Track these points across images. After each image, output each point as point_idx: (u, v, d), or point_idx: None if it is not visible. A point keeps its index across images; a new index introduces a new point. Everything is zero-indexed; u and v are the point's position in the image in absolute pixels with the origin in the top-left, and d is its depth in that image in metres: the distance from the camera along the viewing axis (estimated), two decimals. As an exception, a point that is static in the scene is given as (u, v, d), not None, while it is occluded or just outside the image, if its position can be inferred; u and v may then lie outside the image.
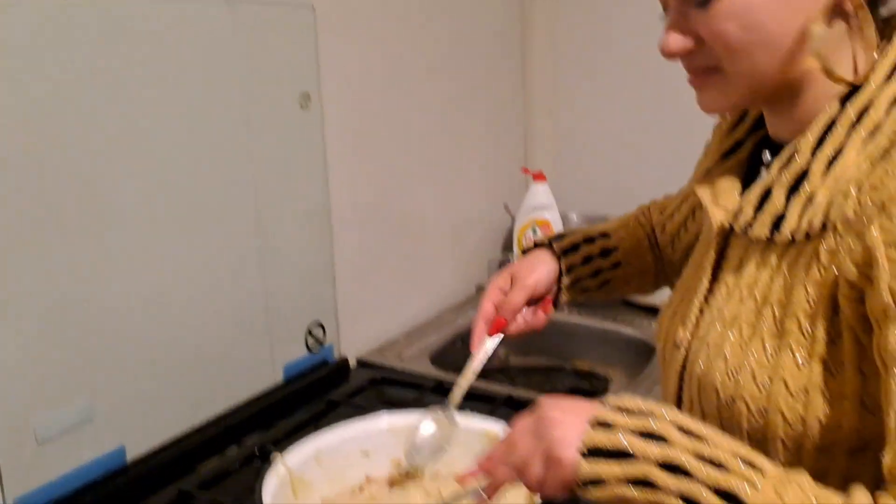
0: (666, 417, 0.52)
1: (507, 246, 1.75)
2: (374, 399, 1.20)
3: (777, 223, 0.57)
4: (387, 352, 1.38)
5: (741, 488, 0.48)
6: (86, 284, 0.89)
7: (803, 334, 0.55)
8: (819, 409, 0.54)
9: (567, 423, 0.54)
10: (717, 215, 0.63)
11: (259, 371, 1.14)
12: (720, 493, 0.48)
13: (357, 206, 1.32)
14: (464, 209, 1.64)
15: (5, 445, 0.81)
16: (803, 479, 0.48)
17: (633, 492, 0.50)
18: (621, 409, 0.53)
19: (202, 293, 1.04)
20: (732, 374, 0.58)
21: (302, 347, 1.22)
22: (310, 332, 1.23)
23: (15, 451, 0.82)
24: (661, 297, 1.43)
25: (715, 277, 0.64)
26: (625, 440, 0.51)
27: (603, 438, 0.52)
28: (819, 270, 0.54)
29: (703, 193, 0.66)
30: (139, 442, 0.96)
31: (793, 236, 0.56)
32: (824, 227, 0.54)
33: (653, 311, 1.47)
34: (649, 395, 1.15)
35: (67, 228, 0.86)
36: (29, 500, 0.84)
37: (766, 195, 0.58)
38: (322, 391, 1.20)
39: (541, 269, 0.82)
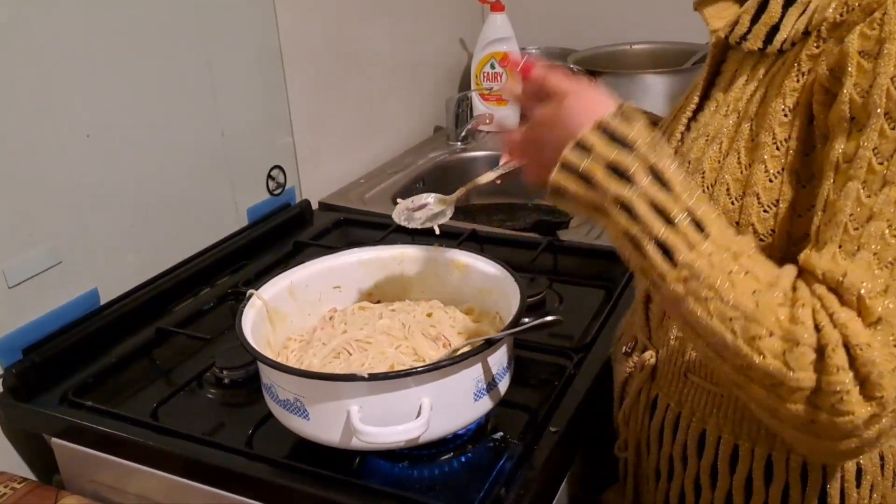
0: (645, 156, 0.53)
1: (465, 84, 1.72)
2: (339, 240, 1.23)
3: (771, 35, 0.57)
4: (348, 193, 1.38)
5: (679, 246, 0.51)
6: (33, 129, 0.86)
7: (777, 146, 0.56)
8: (788, 221, 0.56)
9: (563, 127, 0.56)
10: (715, 24, 0.62)
11: (223, 215, 1.14)
12: (660, 244, 0.52)
13: (309, 48, 1.27)
14: (418, 46, 1.58)
15: (-23, 291, 0.82)
16: (744, 246, 0.51)
17: (593, 214, 0.55)
18: (609, 135, 0.54)
19: (158, 138, 1.01)
20: (708, 188, 0.59)
21: (264, 191, 1.21)
22: (270, 176, 1.22)
23: (-13, 297, 0.83)
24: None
25: (707, 95, 0.65)
26: (592, 171, 0.54)
27: (576, 160, 0.54)
28: (797, 77, 0.54)
29: (704, 9, 0.64)
30: (112, 285, 0.97)
31: (781, 46, 0.56)
32: (807, 32, 0.54)
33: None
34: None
35: (8, 70, 0.82)
36: (7, 343, 0.86)
37: (763, 6, 0.58)
38: (287, 234, 1.21)
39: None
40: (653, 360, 0.70)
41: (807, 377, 0.47)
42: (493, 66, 1.56)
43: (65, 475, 0.86)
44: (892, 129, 0.48)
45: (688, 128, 0.65)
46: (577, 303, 0.99)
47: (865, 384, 0.46)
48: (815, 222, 0.51)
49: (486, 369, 0.69)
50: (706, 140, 0.61)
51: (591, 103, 0.57)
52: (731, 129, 0.59)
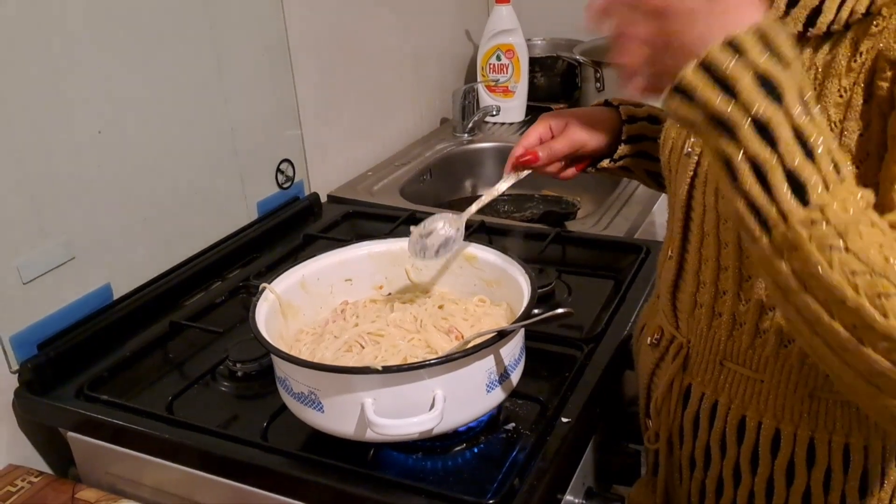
0: (801, 77, 0.47)
1: (471, 76, 1.72)
2: (348, 232, 1.23)
3: (811, 18, 0.55)
4: (356, 186, 1.39)
5: (815, 183, 0.45)
6: (45, 127, 0.86)
7: (831, 127, 0.54)
8: None
9: (710, 23, 0.48)
10: None
11: (234, 209, 1.15)
12: (792, 177, 0.46)
13: (316, 41, 1.27)
14: (424, 38, 1.58)
15: (-8, 287, 0.83)
16: (870, 196, 0.47)
17: (711, 130, 0.48)
18: (765, 43, 0.47)
19: (169, 133, 1.02)
20: None
21: (273, 185, 1.22)
22: (279, 170, 1.22)
23: (2, 292, 0.84)
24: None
25: None
26: (738, 76, 0.46)
27: (723, 59, 0.47)
28: (857, 56, 0.53)
29: None
30: (124, 280, 0.98)
31: (829, 29, 0.55)
32: (867, 13, 0.52)
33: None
34: (615, 220, 1.20)
35: (21, 69, 0.82)
36: (22, 338, 0.86)
37: None
38: (296, 227, 1.22)
39: (599, 131, 0.79)
40: (684, 350, 0.70)
41: None
42: (498, 58, 1.56)
43: (81, 468, 0.87)
44: None
45: None
46: (585, 294, 1.00)
47: None
48: (886, 195, 0.48)
49: (499, 361, 0.69)
50: None
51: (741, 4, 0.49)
52: None
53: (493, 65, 1.58)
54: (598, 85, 1.55)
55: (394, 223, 1.17)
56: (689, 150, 0.65)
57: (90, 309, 0.93)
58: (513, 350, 0.72)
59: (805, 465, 0.63)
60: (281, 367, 0.70)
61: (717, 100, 0.47)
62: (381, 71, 1.47)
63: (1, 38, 0.80)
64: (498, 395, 0.71)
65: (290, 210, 1.23)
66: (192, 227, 1.08)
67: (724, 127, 0.47)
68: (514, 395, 0.75)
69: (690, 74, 0.47)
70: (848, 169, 0.47)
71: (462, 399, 0.68)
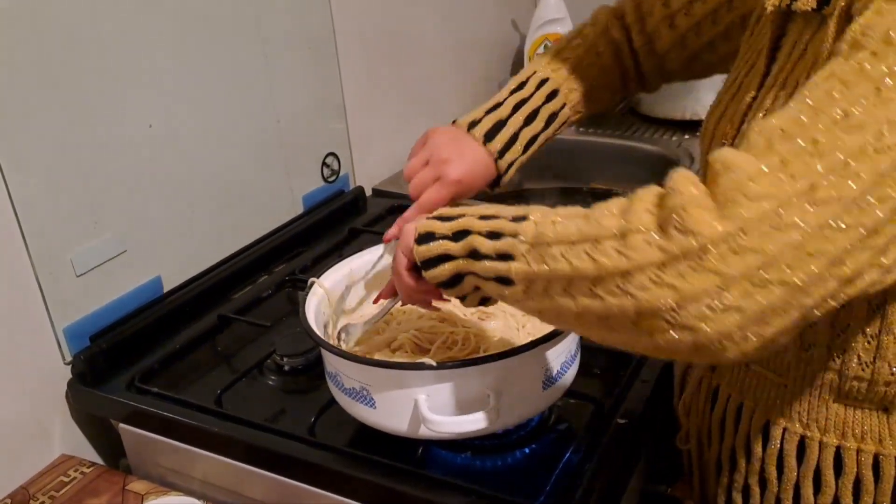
0: (472, 213, 0.57)
1: (518, 66, 1.69)
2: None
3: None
4: (401, 179, 1.36)
5: (513, 246, 0.52)
6: (99, 121, 0.87)
7: None
8: None
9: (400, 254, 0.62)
10: None
11: (280, 202, 1.15)
12: (515, 218, 0.53)
13: (362, 32, 1.26)
14: (469, 28, 1.56)
15: (47, 279, 0.83)
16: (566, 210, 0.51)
17: (459, 282, 0.57)
18: (440, 217, 0.59)
19: (217, 127, 1.02)
20: None
21: (318, 178, 1.21)
22: (324, 163, 1.22)
23: (56, 285, 0.84)
24: (683, 109, 1.41)
25: (768, 72, 0.61)
26: (442, 247, 0.57)
27: (424, 251, 0.58)
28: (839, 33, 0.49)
29: None
30: (174, 273, 0.98)
31: (849, 7, 0.51)
32: None
33: (671, 123, 1.45)
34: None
35: (75, 64, 0.83)
36: (76, 330, 0.87)
37: None
38: (341, 221, 1.21)
39: (477, 171, 0.70)
40: None
41: (646, 218, 0.44)
42: (546, 48, 1.53)
43: (131, 459, 0.88)
44: (872, 67, 0.44)
45: (750, 107, 0.62)
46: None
47: (720, 199, 0.42)
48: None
49: (556, 358, 0.67)
50: (762, 116, 0.58)
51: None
52: (782, 101, 0.56)
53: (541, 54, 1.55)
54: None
55: (440, 217, 1.16)
56: (725, 142, 0.63)
57: (141, 301, 0.94)
58: (569, 346, 0.69)
59: (833, 474, 0.60)
60: (332, 363, 0.69)
61: (442, 270, 0.58)
62: (426, 62, 1.45)
63: (54, 34, 0.81)
64: (554, 393, 0.69)
65: (336, 204, 1.22)
66: (240, 220, 1.08)
67: (459, 276, 0.57)
68: (566, 394, 0.72)
69: (425, 273, 0.59)
70: (535, 209, 0.53)
71: (518, 396, 0.66)
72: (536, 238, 0.50)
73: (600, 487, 0.67)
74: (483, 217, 0.56)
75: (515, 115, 0.73)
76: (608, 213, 0.47)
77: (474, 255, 0.55)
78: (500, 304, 0.79)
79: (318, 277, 0.79)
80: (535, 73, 0.76)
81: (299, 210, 1.18)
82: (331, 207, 1.21)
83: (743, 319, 0.42)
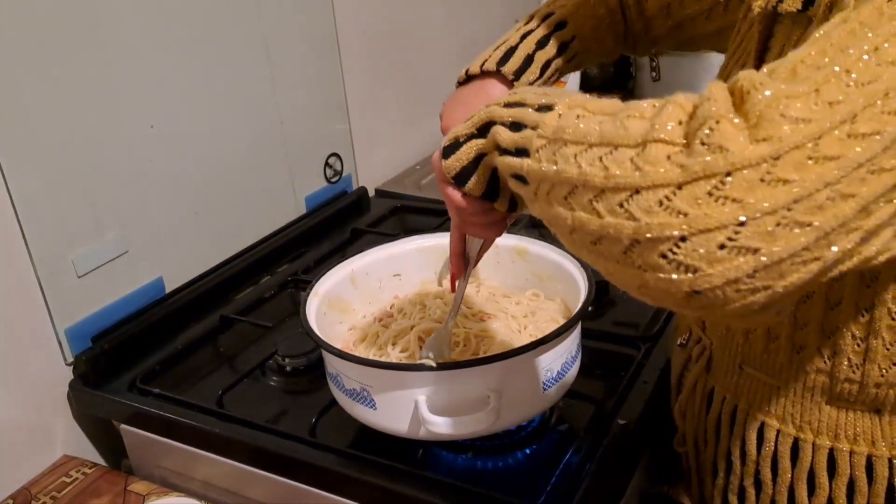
0: (496, 102, 0.51)
1: (520, 68, 1.69)
2: (396, 227, 1.22)
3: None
4: (404, 180, 1.37)
5: (530, 140, 0.46)
6: (100, 122, 0.87)
7: None
8: None
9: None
10: None
11: (282, 203, 1.15)
12: (540, 107, 0.47)
13: (365, 33, 1.26)
14: (472, 29, 1.56)
15: (48, 280, 0.84)
16: (599, 103, 0.45)
17: (482, 141, 0.51)
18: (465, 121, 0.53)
19: (220, 128, 1.02)
20: None
21: (321, 179, 1.21)
22: (327, 164, 1.22)
23: (58, 286, 0.85)
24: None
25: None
26: (470, 151, 0.51)
27: (454, 164, 0.52)
28: None
29: None
30: (175, 274, 0.98)
31: (830, 7, 0.50)
32: None
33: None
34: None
35: (77, 65, 0.83)
36: (77, 331, 0.87)
37: None
38: (344, 221, 1.21)
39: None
40: (707, 352, 0.67)
41: (674, 127, 0.38)
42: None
43: (133, 461, 0.88)
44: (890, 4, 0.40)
45: None
46: (641, 290, 0.96)
47: (752, 118, 0.36)
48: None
49: (557, 358, 0.67)
50: None
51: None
52: None
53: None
54: (654, 74, 1.50)
55: (442, 217, 1.16)
56: None
57: (143, 302, 0.94)
58: (570, 347, 0.69)
59: (826, 475, 0.60)
60: (332, 363, 0.69)
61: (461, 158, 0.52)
62: (429, 63, 1.45)
63: (54, 34, 0.81)
64: (555, 394, 0.69)
65: (338, 204, 1.22)
66: (242, 221, 1.08)
67: (484, 128, 0.51)
68: (567, 395, 0.72)
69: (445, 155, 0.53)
70: (562, 96, 0.47)
71: (519, 397, 0.66)
72: (555, 133, 0.44)
73: (601, 488, 0.67)
74: (508, 105, 0.49)
75: (526, 41, 0.72)
76: (638, 114, 0.40)
77: (498, 149, 0.49)
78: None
79: (318, 279, 0.79)
80: (538, 10, 0.76)
81: (302, 211, 1.18)
82: (333, 208, 1.21)
83: (757, 264, 0.36)
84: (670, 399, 0.76)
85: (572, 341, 0.70)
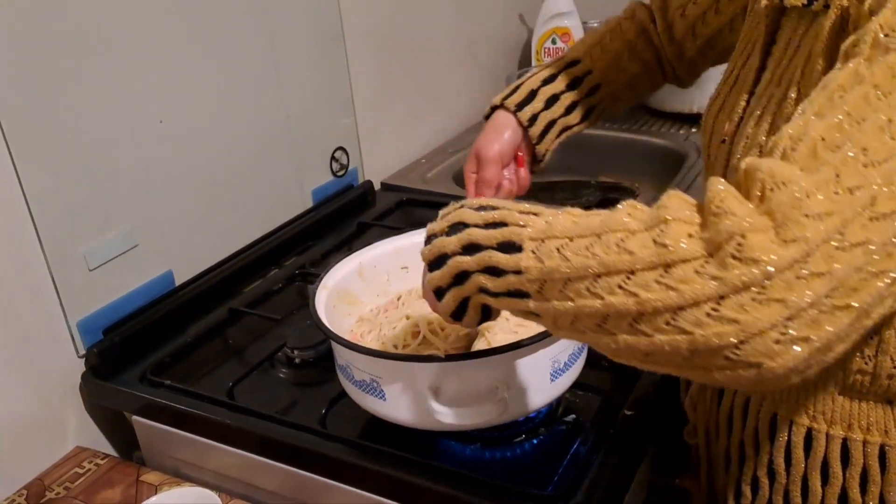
0: (469, 204, 0.53)
1: (525, 61, 1.69)
2: (402, 220, 1.23)
3: None
4: (409, 174, 1.38)
5: (514, 234, 0.47)
6: (110, 117, 0.87)
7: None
8: None
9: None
10: None
11: (289, 197, 1.15)
12: (502, 247, 0.48)
13: (370, 28, 1.26)
14: (477, 23, 1.56)
15: (60, 273, 0.84)
16: (575, 210, 0.48)
17: (460, 290, 0.52)
18: (442, 216, 0.54)
19: (227, 122, 1.03)
20: None
21: (327, 173, 1.22)
22: (333, 157, 1.23)
23: (69, 279, 0.86)
24: (691, 103, 1.41)
25: (764, 66, 0.61)
26: (438, 244, 0.52)
27: (427, 252, 0.54)
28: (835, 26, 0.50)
29: None
30: (185, 267, 0.99)
31: (827, 1, 0.51)
32: None
33: (679, 117, 1.45)
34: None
35: (86, 61, 0.84)
36: (89, 323, 0.88)
37: None
38: (350, 215, 1.22)
39: (502, 135, 0.76)
40: None
41: (691, 244, 0.40)
42: (554, 42, 1.53)
43: (145, 452, 0.89)
44: None
45: (748, 103, 0.62)
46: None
47: (777, 219, 0.38)
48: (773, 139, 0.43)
49: (563, 349, 0.68)
50: (760, 113, 0.58)
51: None
52: (778, 98, 0.56)
53: (549, 49, 1.55)
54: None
55: (448, 211, 1.16)
56: (725, 138, 0.63)
57: (153, 295, 0.95)
58: (576, 339, 0.70)
59: (840, 465, 0.61)
60: (342, 355, 0.70)
61: (441, 273, 0.52)
62: (434, 57, 1.46)
63: (63, 30, 0.82)
64: (563, 384, 0.70)
65: (345, 198, 1.23)
66: (250, 215, 1.08)
67: (459, 276, 0.51)
68: (574, 385, 0.73)
69: (428, 273, 0.54)
70: (545, 208, 0.49)
71: (527, 388, 0.66)
72: (545, 274, 0.45)
73: (608, 479, 0.68)
74: (465, 249, 0.51)
75: (534, 77, 0.80)
76: (636, 238, 0.42)
77: (486, 292, 0.50)
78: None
79: (327, 272, 0.80)
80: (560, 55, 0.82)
81: (308, 204, 1.19)
82: (340, 202, 1.22)
83: (810, 351, 0.39)
84: (678, 390, 0.77)
85: (579, 333, 0.70)
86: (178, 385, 0.84)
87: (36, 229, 0.82)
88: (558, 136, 0.80)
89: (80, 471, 0.82)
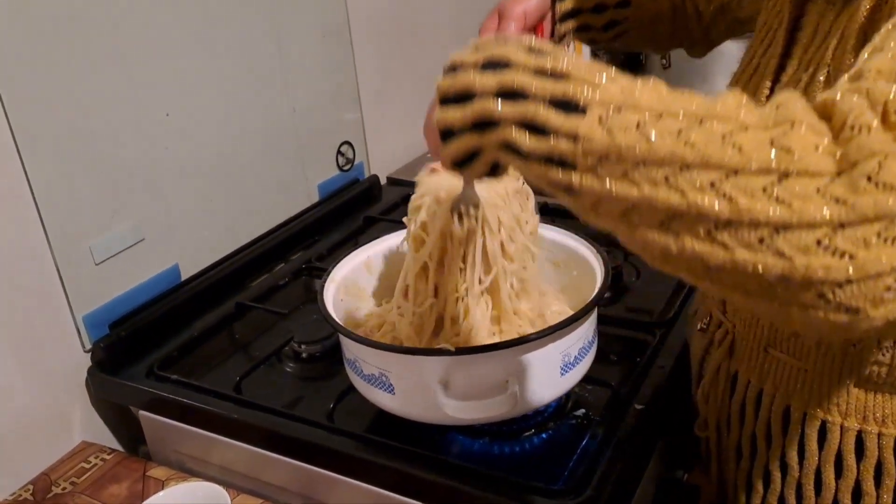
0: (518, 42, 0.43)
1: (530, 55, 1.68)
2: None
3: None
4: (416, 168, 1.36)
5: (579, 91, 0.38)
6: (116, 111, 0.87)
7: None
8: None
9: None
10: None
11: (295, 191, 1.15)
12: (556, 102, 0.39)
13: (376, 22, 1.26)
14: (481, 16, 1.55)
15: (66, 267, 0.84)
16: (661, 83, 0.40)
17: (479, 138, 0.43)
18: (477, 47, 0.45)
19: (233, 116, 1.02)
20: None
21: (333, 167, 1.22)
22: (339, 152, 1.22)
23: (76, 273, 0.85)
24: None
25: (788, 54, 0.61)
26: (466, 77, 0.43)
27: (448, 83, 0.44)
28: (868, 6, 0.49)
29: None
30: (191, 261, 0.99)
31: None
32: None
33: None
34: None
35: (93, 54, 0.83)
36: (95, 317, 0.88)
37: None
38: (357, 209, 1.21)
39: None
40: (730, 336, 0.67)
41: (820, 158, 0.34)
42: (560, 36, 1.52)
43: (151, 447, 0.89)
44: None
45: (772, 90, 0.61)
46: (655, 276, 0.95)
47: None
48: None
49: (573, 343, 0.67)
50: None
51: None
52: (805, 82, 0.55)
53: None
54: (665, 62, 1.49)
55: (455, 205, 1.16)
56: None
57: (160, 289, 0.95)
58: (586, 332, 0.69)
59: (854, 458, 0.60)
60: (350, 349, 0.70)
61: (462, 110, 0.42)
62: (440, 52, 1.44)
63: (71, 24, 0.81)
64: (572, 378, 0.69)
65: (351, 192, 1.23)
66: (256, 209, 1.08)
67: (484, 125, 0.42)
68: (583, 380, 0.72)
69: (439, 113, 0.44)
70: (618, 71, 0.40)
71: (536, 382, 0.66)
72: (609, 149, 0.37)
73: (617, 473, 0.67)
74: (505, 95, 0.41)
75: None
76: (749, 134, 0.35)
77: (512, 149, 0.41)
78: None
79: (334, 266, 0.79)
80: None
81: (315, 198, 1.18)
82: (346, 196, 1.21)
83: None
84: (688, 384, 0.76)
85: (589, 326, 0.70)
86: (185, 379, 0.84)
87: (42, 223, 0.82)
88: (578, 27, 0.76)
89: (87, 466, 0.82)
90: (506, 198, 0.72)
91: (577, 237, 0.79)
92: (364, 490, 0.72)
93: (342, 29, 1.18)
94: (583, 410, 0.75)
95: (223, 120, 1.01)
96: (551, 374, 0.67)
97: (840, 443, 0.60)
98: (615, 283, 0.94)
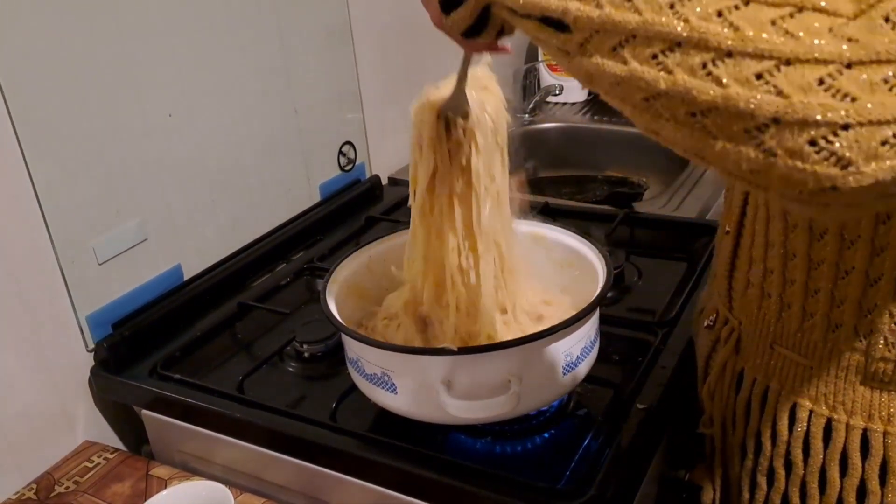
0: None
1: (532, 55, 1.68)
2: (409, 215, 1.22)
3: None
4: (417, 169, 1.37)
5: None
6: (120, 111, 0.87)
7: None
8: None
9: None
10: None
11: (297, 191, 1.15)
12: None
13: (378, 23, 1.26)
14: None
15: (70, 267, 0.84)
16: None
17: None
18: None
19: (236, 117, 1.03)
20: None
21: (335, 167, 1.22)
22: (341, 152, 1.22)
23: (79, 273, 0.85)
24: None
25: None
26: None
27: None
28: None
29: None
30: (194, 261, 0.99)
31: None
32: None
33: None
34: (686, 201, 1.16)
35: (96, 54, 0.83)
36: (98, 317, 0.88)
37: None
38: (358, 209, 1.22)
39: None
40: (736, 333, 0.67)
41: None
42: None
43: (154, 446, 0.89)
44: None
45: None
46: (657, 276, 0.97)
47: None
48: None
49: (575, 343, 0.67)
50: None
51: None
52: None
53: (555, 43, 1.54)
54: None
55: (456, 205, 1.16)
56: None
57: (162, 289, 0.95)
58: (588, 332, 0.69)
59: (859, 456, 0.60)
60: (353, 348, 0.70)
61: None
62: (441, 52, 1.45)
63: (75, 25, 0.81)
64: (575, 378, 0.69)
65: (352, 192, 1.23)
66: (258, 209, 1.08)
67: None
68: (585, 379, 0.73)
69: None
70: None
71: (539, 382, 0.66)
72: None
73: (619, 473, 0.68)
74: None
75: None
76: None
77: None
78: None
79: (335, 266, 0.80)
80: None
81: (316, 199, 1.19)
82: (347, 196, 1.22)
83: None
84: (694, 382, 0.76)
85: (591, 326, 0.70)
86: (188, 379, 0.84)
87: (46, 223, 0.82)
88: None
89: (90, 465, 0.82)
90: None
91: (579, 237, 0.79)
92: (366, 489, 0.72)
93: (344, 30, 1.19)
94: (585, 410, 0.75)
95: (226, 121, 1.01)
96: (554, 374, 0.67)
97: (845, 441, 0.60)
98: (617, 284, 0.95)
